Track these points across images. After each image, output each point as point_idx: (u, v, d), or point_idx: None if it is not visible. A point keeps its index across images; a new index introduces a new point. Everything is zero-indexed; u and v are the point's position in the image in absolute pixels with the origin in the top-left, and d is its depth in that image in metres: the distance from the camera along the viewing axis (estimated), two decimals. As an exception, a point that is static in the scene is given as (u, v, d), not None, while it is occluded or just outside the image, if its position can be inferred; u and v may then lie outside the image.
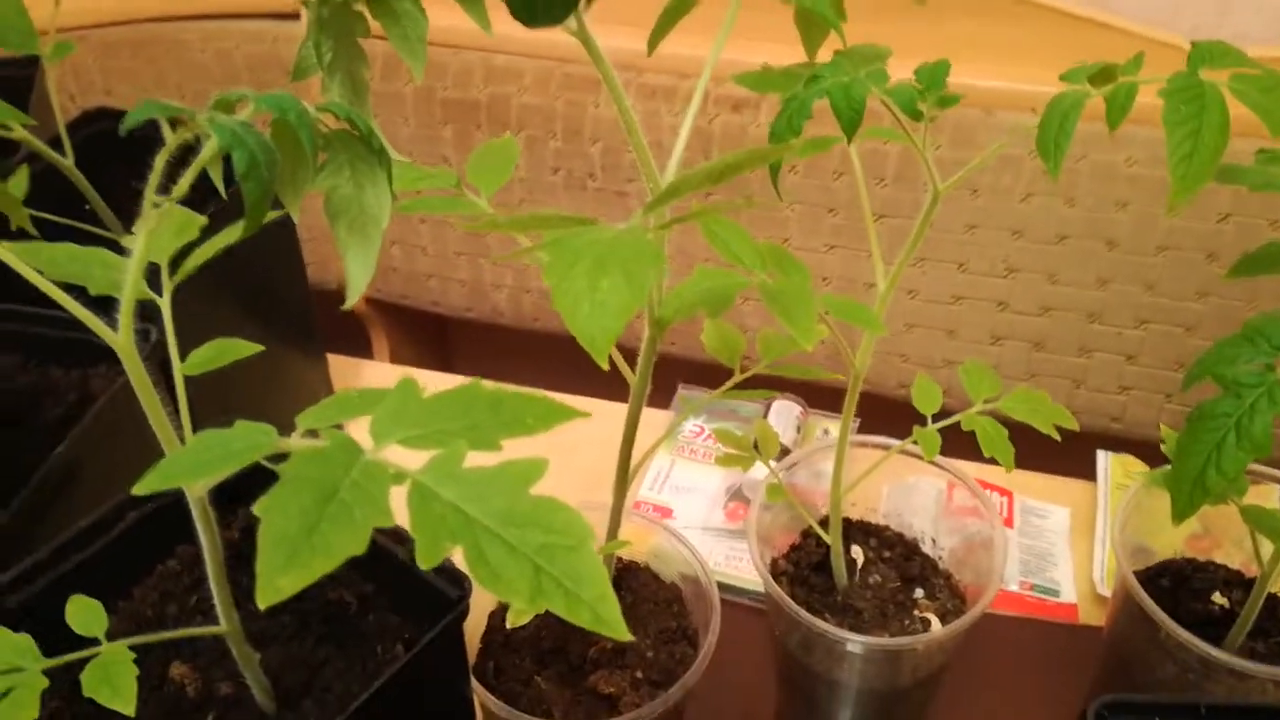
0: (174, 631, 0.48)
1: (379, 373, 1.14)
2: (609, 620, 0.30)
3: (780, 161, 0.55)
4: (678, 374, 1.10)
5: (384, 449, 0.33)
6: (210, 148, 0.38)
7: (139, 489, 0.33)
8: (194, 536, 0.61)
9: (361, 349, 1.45)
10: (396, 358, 1.48)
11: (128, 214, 0.80)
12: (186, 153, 0.40)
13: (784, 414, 0.93)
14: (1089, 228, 1.06)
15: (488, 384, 0.36)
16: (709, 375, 1.00)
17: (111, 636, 0.46)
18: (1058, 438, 0.58)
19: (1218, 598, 0.66)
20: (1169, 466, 0.58)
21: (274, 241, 0.47)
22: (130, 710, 0.40)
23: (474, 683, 0.57)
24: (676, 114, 1.15)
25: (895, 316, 1.16)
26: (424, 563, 0.29)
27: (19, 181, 0.70)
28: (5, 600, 0.53)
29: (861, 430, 0.97)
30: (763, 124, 1.12)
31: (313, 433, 0.35)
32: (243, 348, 0.45)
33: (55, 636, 0.46)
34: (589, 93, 1.18)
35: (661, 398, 0.98)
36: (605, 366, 0.35)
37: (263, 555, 0.27)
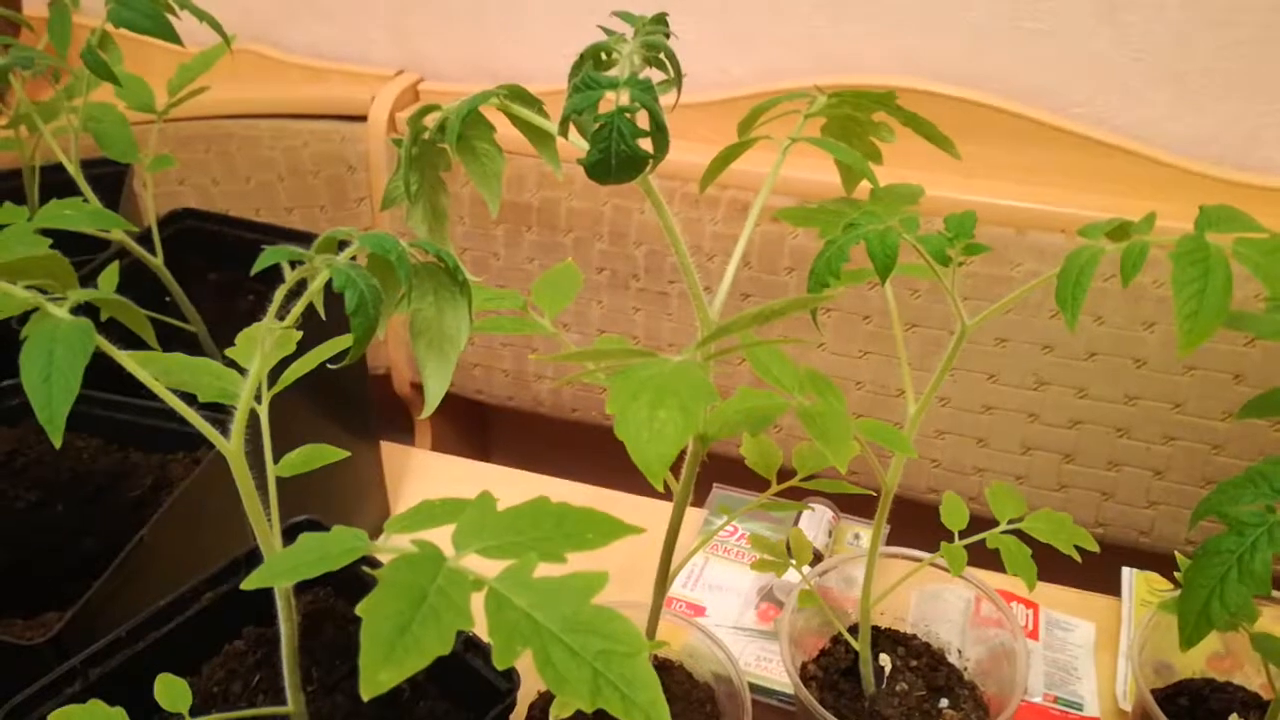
0: (247, 711, 0.52)
1: (425, 461, 1.19)
2: (660, 723, 0.33)
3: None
4: (711, 469, 1.13)
5: (464, 557, 0.37)
6: (320, 281, 0.43)
7: (247, 585, 0.37)
8: (260, 619, 0.65)
9: (403, 430, 1.50)
10: (438, 442, 1.53)
11: (206, 308, 0.86)
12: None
13: (816, 519, 0.96)
14: (1117, 345, 1.09)
15: (553, 501, 0.40)
16: (742, 473, 1.04)
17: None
18: (1079, 559, 0.61)
19: (1234, 719, 0.67)
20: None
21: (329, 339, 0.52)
22: (211, 784, 0.44)
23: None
24: (717, 222, 1.21)
25: (926, 423, 1.19)
26: (500, 663, 0.33)
27: (110, 277, 0.77)
28: (88, 673, 0.57)
29: (893, 533, 1.00)
30: (799, 236, 1.17)
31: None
32: (330, 453, 0.50)
33: (131, 710, 0.50)
34: (634, 199, 1.24)
35: (696, 494, 1.02)
36: (660, 488, 0.40)
37: (365, 653, 0.32)
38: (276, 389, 0.49)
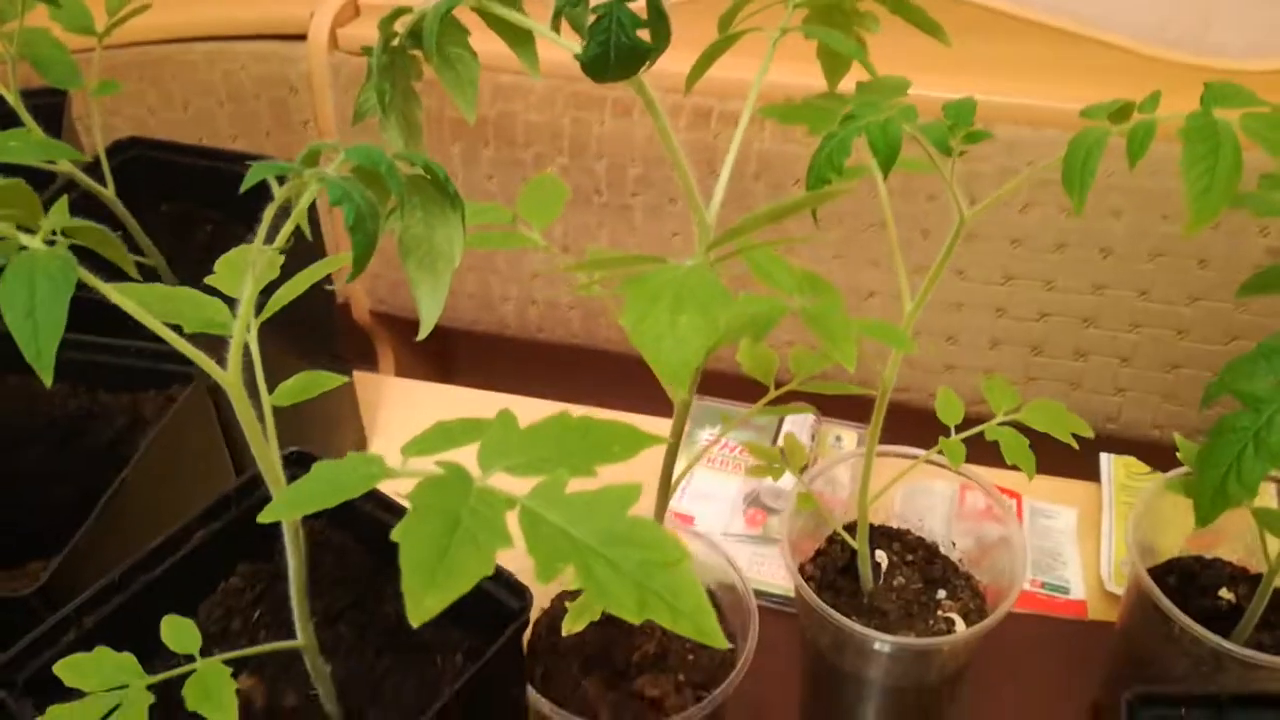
0: (260, 647, 0.51)
1: (396, 388, 1.17)
2: (708, 630, 0.33)
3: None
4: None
5: (491, 477, 0.35)
6: (306, 199, 0.40)
7: (264, 517, 0.35)
8: (253, 555, 0.64)
9: (364, 359, 1.47)
10: (401, 369, 1.51)
11: (160, 241, 0.83)
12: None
13: (798, 423, 0.96)
14: (1085, 236, 1.09)
15: (575, 414, 0.39)
16: (719, 384, 1.04)
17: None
18: (1075, 446, 0.61)
19: (1224, 593, 0.69)
20: (1183, 472, 0.62)
21: (306, 264, 0.50)
22: (232, 721, 0.43)
23: (531, 693, 0.60)
24: (680, 130, 1.18)
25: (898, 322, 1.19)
26: (543, 579, 0.32)
27: (60, 209, 0.73)
28: (83, 620, 0.56)
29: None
30: (766, 140, 1.15)
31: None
32: (327, 379, 0.48)
33: (135, 653, 0.49)
34: (594, 110, 1.20)
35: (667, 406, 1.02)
36: (685, 396, 0.38)
37: (406, 579, 0.30)
38: (264, 316, 0.47)
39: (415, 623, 0.30)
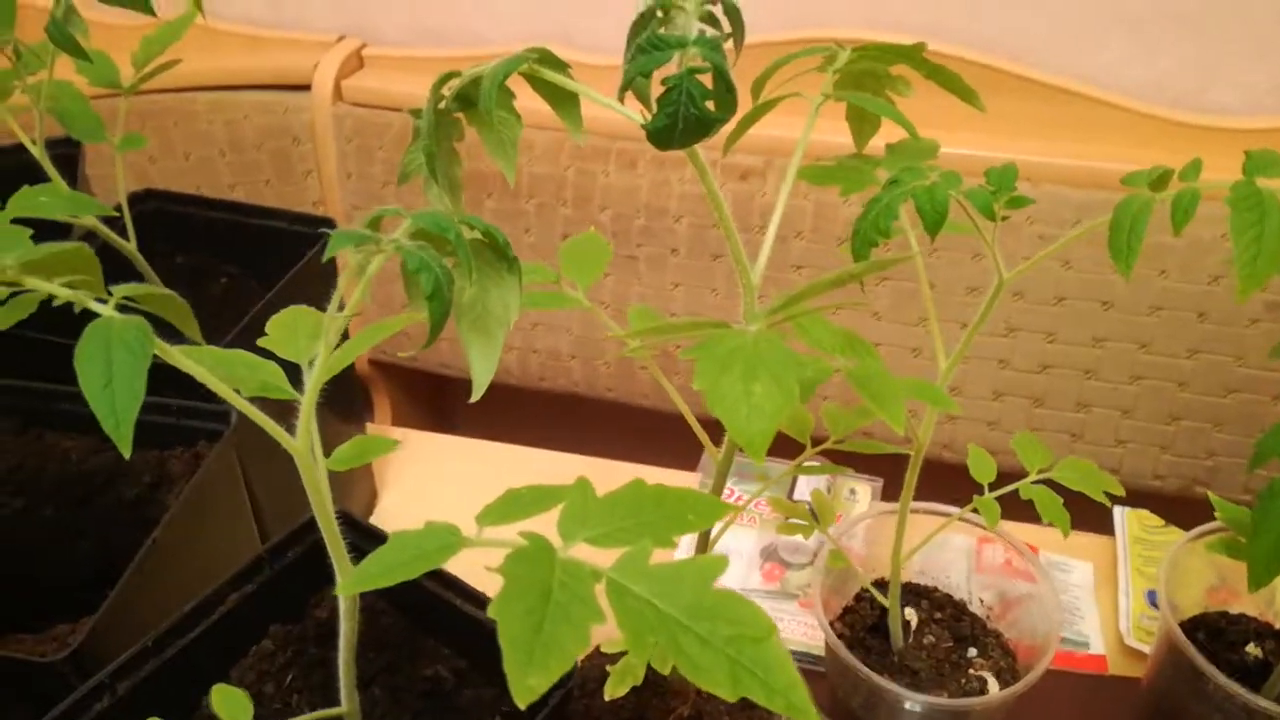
0: (307, 716, 0.50)
1: (406, 440, 1.16)
2: (801, 706, 0.33)
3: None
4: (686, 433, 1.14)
5: (572, 547, 0.35)
6: (376, 264, 0.40)
7: (342, 590, 0.35)
8: (284, 618, 0.63)
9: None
10: (398, 418, 1.50)
11: (177, 293, 0.82)
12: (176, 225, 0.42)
13: (813, 478, 0.96)
14: (1086, 289, 1.11)
15: (649, 483, 0.39)
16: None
17: None
18: (1109, 504, 0.62)
19: (1251, 648, 0.70)
20: (1211, 529, 0.63)
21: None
22: (290, 796, 0.42)
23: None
24: (685, 182, 1.20)
25: (901, 374, 1.20)
26: (637, 656, 0.32)
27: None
28: (116, 687, 0.55)
29: (886, 487, 1.01)
30: (768, 194, 1.16)
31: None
32: (381, 444, 0.48)
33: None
34: (598, 162, 1.22)
35: (681, 458, 1.02)
36: (761, 463, 0.39)
37: (508, 659, 0.30)
38: (320, 378, 0.47)
39: (521, 704, 0.29)
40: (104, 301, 0.38)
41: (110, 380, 0.35)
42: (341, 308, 0.41)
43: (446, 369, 1.40)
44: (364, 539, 0.60)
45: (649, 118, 0.42)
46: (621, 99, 0.44)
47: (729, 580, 0.90)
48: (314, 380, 0.41)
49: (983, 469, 0.64)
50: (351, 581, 0.35)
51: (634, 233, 1.24)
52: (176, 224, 0.89)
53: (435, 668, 0.61)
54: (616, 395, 1.36)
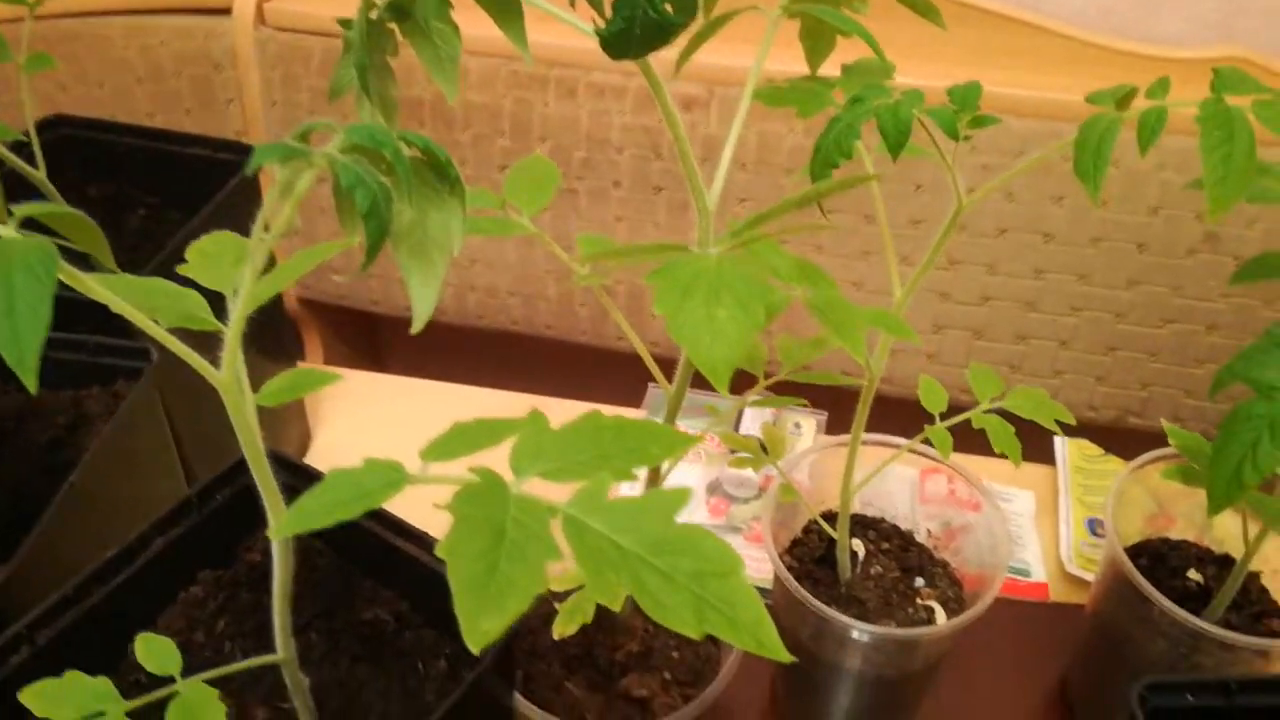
0: (240, 664, 0.48)
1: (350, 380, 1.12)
2: (769, 643, 0.31)
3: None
4: (637, 368, 1.12)
5: (526, 482, 0.33)
6: (305, 181, 0.37)
7: (278, 532, 0.32)
8: (215, 563, 0.60)
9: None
10: (330, 357, 1.46)
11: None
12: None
13: (758, 412, 0.95)
14: (1027, 221, 1.11)
15: (607, 414, 0.36)
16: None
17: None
18: (1060, 434, 0.62)
19: (1193, 574, 0.71)
20: (1177, 462, 0.63)
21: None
22: (226, 748, 0.40)
23: (517, 697, 0.58)
24: (624, 113, 1.16)
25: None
26: (599, 596, 0.30)
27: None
28: (35, 638, 0.52)
29: (830, 421, 1.01)
30: (712, 125, 1.13)
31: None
32: (318, 377, 0.45)
33: (90, 672, 0.45)
34: (537, 91, 1.17)
35: (622, 395, 1.00)
36: (726, 393, 0.37)
37: (460, 601, 0.28)
38: (245, 309, 0.43)
39: (475, 649, 0.27)
40: (2, 224, 0.34)
41: (11, 307, 0.31)
42: (268, 230, 0.38)
43: (377, 306, 1.36)
44: (298, 479, 0.57)
45: (602, 24, 0.39)
46: (573, 3, 0.41)
47: (675, 516, 0.89)
48: (240, 307, 0.38)
49: (934, 399, 0.64)
50: (288, 522, 0.32)
51: (575, 165, 1.21)
52: (90, 152, 0.83)
53: (375, 611, 0.58)
54: (556, 333, 1.34)
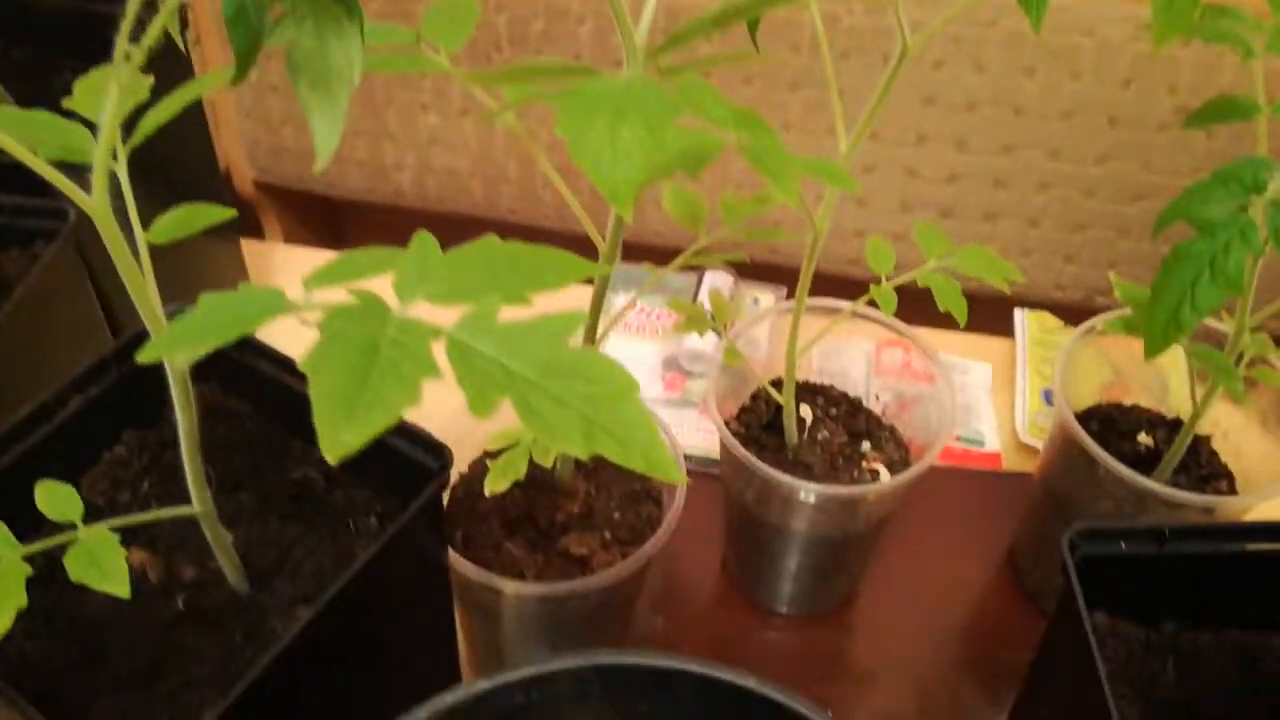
0: (150, 514, 0.47)
1: (287, 255, 1.10)
2: (661, 463, 0.30)
3: (759, 15, 0.54)
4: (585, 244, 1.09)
5: (412, 306, 0.31)
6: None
7: (145, 356, 0.31)
8: (140, 423, 0.59)
9: (250, 235, 1.39)
10: (290, 243, 1.43)
11: (14, 91, 0.74)
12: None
13: (716, 285, 0.93)
14: (996, 94, 1.08)
15: (501, 240, 0.35)
16: (641, 255, 1.00)
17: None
18: (1008, 291, 0.60)
19: (1143, 437, 0.70)
20: (1124, 312, 0.62)
21: (184, 116, 0.43)
22: (125, 592, 0.39)
23: (451, 553, 0.57)
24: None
25: (808, 188, 1.17)
26: (477, 411, 0.29)
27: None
28: (-53, 493, 0.50)
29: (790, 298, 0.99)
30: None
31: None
32: (209, 213, 0.43)
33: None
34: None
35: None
36: (628, 218, 0.35)
37: (319, 412, 0.26)
38: (134, 142, 0.41)
39: (331, 459, 0.26)
40: None
41: None
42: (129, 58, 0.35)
43: (333, 190, 1.33)
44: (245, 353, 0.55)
45: None
46: None
47: (628, 390, 0.88)
48: (105, 132, 0.35)
49: (881, 259, 0.62)
50: (151, 347, 0.31)
51: (532, 38, 1.16)
52: (10, 14, 0.79)
53: (304, 470, 0.57)
54: (519, 218, 1.31)
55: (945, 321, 0.91)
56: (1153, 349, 0.45)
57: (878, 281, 0.61)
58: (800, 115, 1.13)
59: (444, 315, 0.32)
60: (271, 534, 0.55)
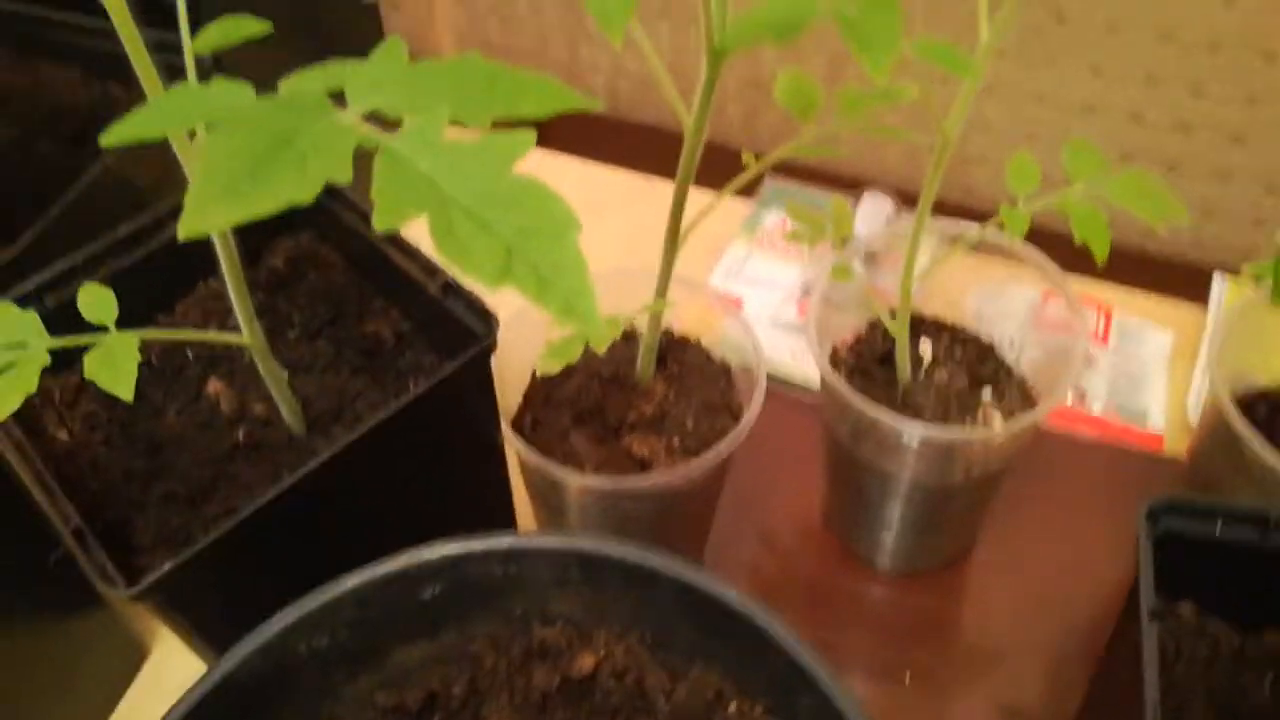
0: (193, 333, 0.48)
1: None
2: (582, 311, 0.27)
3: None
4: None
5: (358, 111, 0.29)
6: None
7: (107, 141, 0.30)
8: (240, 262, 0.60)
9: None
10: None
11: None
12: None
13: (874, 209, 0.87)
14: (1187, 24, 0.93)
15: (485, 59, 0.32)
16: (798, 171, 0.94)
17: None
18: (1164, 232, 0.52)
19: (1323, 428, 0.59)
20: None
21: None
22: (128, 395, 0.40)
23: (507, 430, 0.56)
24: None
25: (938, 98, 1.06)
26: (378, 224, 0.26)
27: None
28: (44, 300, 0.53)
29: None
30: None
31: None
32: (249, 25, 0.42)
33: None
34: None
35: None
36: (618, 43, 0.31)
37: (195, 186, 0.25)
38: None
39: (182, 235, 0.24)
40: None
41: None
42: None
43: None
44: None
45: None
46: None
47: (760, 310, 0.83)
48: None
49: (1023, 176, 0.54)
50: (120, 128, 0.30)
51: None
52: None
53: (378, 326, 0.57)
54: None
55: (1132, 277, 0.81)
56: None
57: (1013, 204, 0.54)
58: (1014, 43, 1.03)
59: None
60: (338, 384, 0.56)
